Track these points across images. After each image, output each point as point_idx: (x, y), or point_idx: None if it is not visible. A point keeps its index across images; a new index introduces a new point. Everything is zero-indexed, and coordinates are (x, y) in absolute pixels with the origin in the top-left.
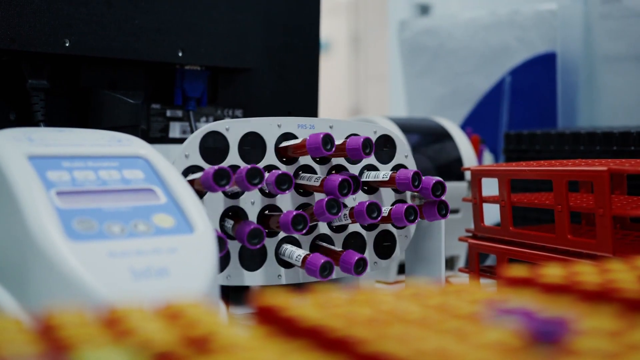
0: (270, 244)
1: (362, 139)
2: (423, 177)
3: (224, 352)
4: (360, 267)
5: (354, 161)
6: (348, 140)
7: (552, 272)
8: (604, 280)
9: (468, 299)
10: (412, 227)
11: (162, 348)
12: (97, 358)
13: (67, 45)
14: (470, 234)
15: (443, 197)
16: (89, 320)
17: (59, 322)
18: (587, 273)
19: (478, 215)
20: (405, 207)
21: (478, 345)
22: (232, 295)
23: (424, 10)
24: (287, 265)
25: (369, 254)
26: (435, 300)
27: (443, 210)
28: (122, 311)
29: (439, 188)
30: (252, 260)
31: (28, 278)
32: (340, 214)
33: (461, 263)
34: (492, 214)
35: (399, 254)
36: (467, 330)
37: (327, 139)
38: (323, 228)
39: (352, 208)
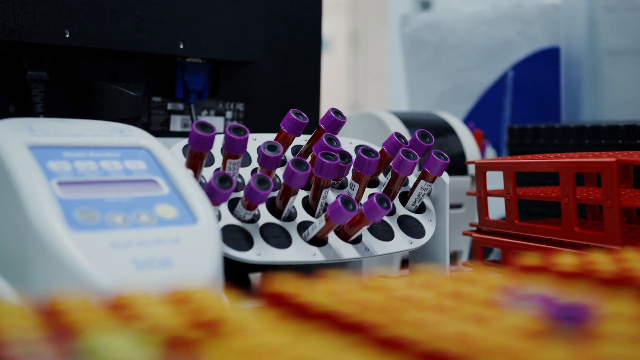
0: (290, 227)
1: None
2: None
3: (235, 336)
4: (384, 202)
5: None
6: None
7: (566, 260)
8: (619, 268)
9: (483, 286)
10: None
11: (172, 332)
12: (104, 342)
13: (67, 36)
14: (474, 228)
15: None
16: (94, 306)
17: (63, 308)
18: (601, 262)
19: (482, 208)
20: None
21: (499, 330)
22: (235, 289)
23: (425, 5)
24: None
25: (401, 236)
26: (449, 288)
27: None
28: (129, 297)
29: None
30: (278, 240)
31: (29, 269)
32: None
33: (464, 258)
34: (496, 210)
35: (431, 234)
36: (486, 315)
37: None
38: None
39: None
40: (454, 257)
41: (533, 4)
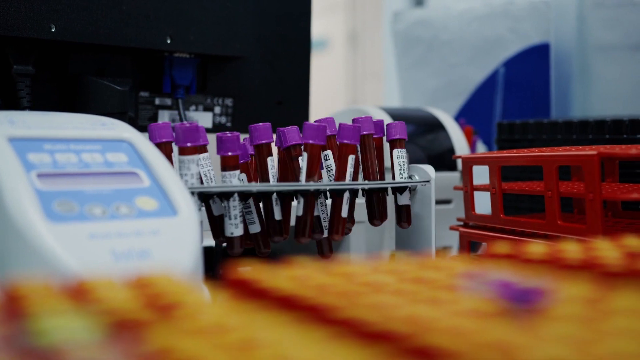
0: None
1: None
2: None
3: (189, 319)
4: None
5: None
6: None
7: (536, 248)
8: (587, 256)
9: (446, 273)
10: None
11: (123, 315)
12: (54, 324)
13: (53, 30)
14: (461, 223)
15: None
16: (55, 291)
17: (23, 293)
18: (570, 250)
19: (469, 203)
20: None
21: (451, 312)
22: (220, 283)
23: (419, 2)
24: None
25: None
26: (411, 274)
27: None
28: (91, 283)
29: None
30: None
31: (7, 260)
32: None
33: (454, 253)
34: (486, 206)
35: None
36: (441, 299)
37: None
38: None
39: None
40: (444, 253)
41: (524, 1)
